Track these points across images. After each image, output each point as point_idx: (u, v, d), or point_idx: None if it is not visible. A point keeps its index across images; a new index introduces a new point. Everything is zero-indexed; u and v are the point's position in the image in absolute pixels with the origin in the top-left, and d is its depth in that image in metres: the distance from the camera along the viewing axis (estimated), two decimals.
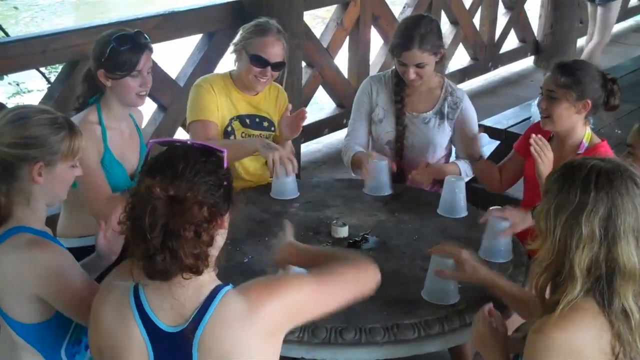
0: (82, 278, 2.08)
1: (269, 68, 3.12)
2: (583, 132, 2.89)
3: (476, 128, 3.36)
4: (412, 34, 3.11)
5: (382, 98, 3.34)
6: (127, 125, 2.91)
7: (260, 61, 3.11)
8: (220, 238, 1.71)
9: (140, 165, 2.91)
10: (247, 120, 3.25)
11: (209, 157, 1.68)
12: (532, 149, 2.79)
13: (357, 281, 1.88)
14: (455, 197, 2.91)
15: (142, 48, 2.72)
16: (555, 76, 2.84)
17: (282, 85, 3.39)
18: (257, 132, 3.26)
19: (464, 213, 2.91)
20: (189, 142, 1.75)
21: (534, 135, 2.83)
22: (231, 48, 3.25)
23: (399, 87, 3.29)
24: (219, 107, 3.18)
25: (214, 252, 1.69)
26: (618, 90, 2.89)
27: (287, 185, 3.05)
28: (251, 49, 3.12)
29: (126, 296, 1.69)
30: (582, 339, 1.71)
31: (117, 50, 2.67)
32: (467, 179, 3.30)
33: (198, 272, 1.64)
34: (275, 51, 3.12)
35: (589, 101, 2.82)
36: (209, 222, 1.63)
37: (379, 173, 3.07)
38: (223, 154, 1.72)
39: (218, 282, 1.71)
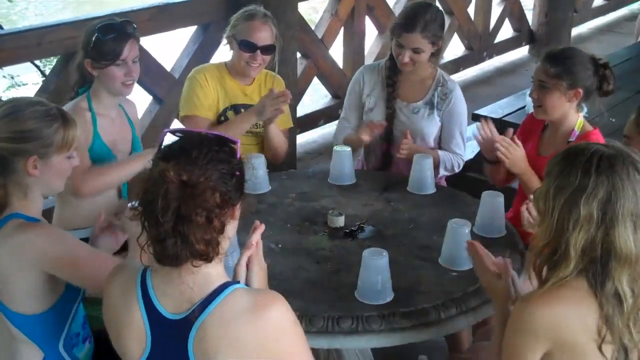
0: (83, 246, 2.10)
1: (258, 52, 3.13)
2: (575, 120, 2.90)
3: (463, 123, 3.34)
4: (417, 18, 3.13)
5: (373, 86, 3.35)
6: (117, 114, 2.91)
7: (248, 46, 3.13)
8: (231, 228, 1.72)
9: (131, 153, 2.92)
10: (242, 110, 3.25)
11: (222, 147, 1.70)
12: (497, 153, 2.84)
13: None
14: (423, 175, 2.99)
15: (126, 37, 2.73)
16: (545, 66, 2.84)
17: (275, 70, 3.37)
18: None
19: (432, 190, 3.00)
20: (202, 132, 1.76)
21: (498, 138, 2.87)
22: (224, 40, 3.26)
23: (391, 72, 3.30)
24: (212, 97, 3.19)
25: (225, 242, 1.70)
26: (611, 75, 2.88)
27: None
28: (239, 35, 3.15)
29: (134, 278, 1.72)
30: (565, 315, 1.74)
31: (101, 39, 2.69)
32: (446, 173, 3.33)
33: (208, 259, 1.64)
34: (263, 35, 3.14)
35: (580, 89, 2.83)
36: (221, 208, 1.64)
37: (343, 160, 3.08)
38: (237, 145, 1.74)
39: (228, 279, 1.71)
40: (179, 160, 1.62)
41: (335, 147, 3.13)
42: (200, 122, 3.15)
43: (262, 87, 3.32)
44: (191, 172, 1.61)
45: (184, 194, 1.60)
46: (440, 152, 3.30)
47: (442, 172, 3.31)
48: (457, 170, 3.36)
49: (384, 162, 3.34)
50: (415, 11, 3.17)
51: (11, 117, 2.06)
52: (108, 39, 2.69)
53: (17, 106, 2.09)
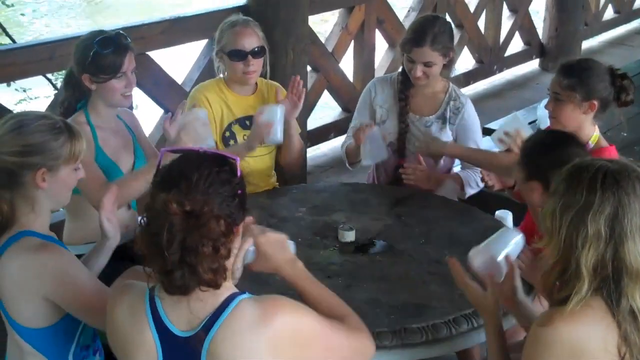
0: (91, 280, 2.09)
1: (249, 58, 3.11)
2: (591, 133, 2.87)
3: (478, 138, 3.34)
4: (426, 31, 3.13)
5: (385, 99, 3.35)
6: (117, 125, 2.91)
7: (238, 54, 3.11)
8: (236, 245, 1.72)
9: (136, 161, 2.91)
10: (247, 122, 3.23)
11: (222, 167, 1.68)
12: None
13: (357, 350, 1.84)
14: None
15: (125, 49, 2.73)
16: (559, 78, 2.83)
17: (267, 75, 3.32)
18: None
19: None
20: (201, 151, 1.74)
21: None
22: (216, 61, 3.24)
23: (404, 86, 3.30)
24: (214, 116, 3.17)
25: (230, 260, 1.69)
26: (630, 84, 2.84)
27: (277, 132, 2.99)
28: (227, 47, 3.13)
29: (142, 297, 1.71)
30: (587, 337, 1.71)
31: (101, 53, 2.68)
32: (472, 191, 3.30)
33: (216, 286, 1.64)
34: (249, 40, 3.12)
35: (595, 101, 2.80)
36: (226, 235, 1.63)
37: (373, 139, 3.09)
38: (236, 162, 1.72)
39: (234, 290, 1.71)
40: (180, 188, 1.60)
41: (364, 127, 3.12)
42: None
43: (265, 95, 3.29)
44: (194, 201, 1.59)
45: (189, 225, 1.59)
46: (461, 173, 3.30)
47: (469, 192, 3.29)
48: (481, 186, 3.29)
49: (397, 176, 3.31)
50: (423, 25, 3.18)
51: (18, 131, 2.06)
52: (108, 52, 2.69)
53: (23, 120, 2.10)
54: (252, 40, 3.13)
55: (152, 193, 1.65)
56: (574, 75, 2.81)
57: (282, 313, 1.67)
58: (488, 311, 2.06)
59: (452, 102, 3.30)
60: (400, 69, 3.35)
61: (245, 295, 1.70)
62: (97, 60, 2.68)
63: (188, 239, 1.59)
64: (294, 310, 1.70)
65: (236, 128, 3.23)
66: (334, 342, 1.77)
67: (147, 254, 1.63)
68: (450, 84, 3.35)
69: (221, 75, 3.28)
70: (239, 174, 1.71)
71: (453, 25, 6.57)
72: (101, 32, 2.77)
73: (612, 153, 2.87)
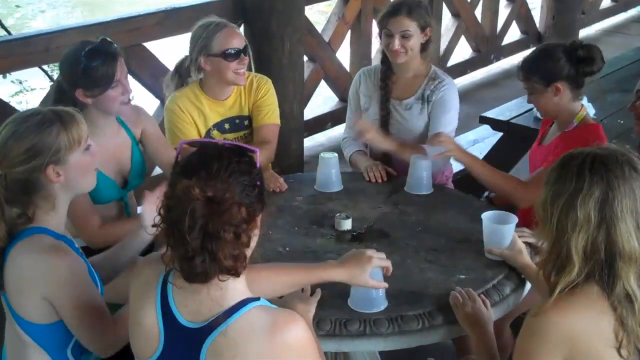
0: (92, 295, 2.06)
1: (242, 56, 3.10)
2: (575, 111, 2.88)
3: (452, 115, 3.24)
4: (402, 2, 3.17)
5: (368, 87, 3.38)
6: (113, 132, 2.83)
7: (234, 54, 3.07)
8: (255, 239, 1.71)
9: (133, 167, 2.89)
10: (226, 125, 3.22)
11: (242, 157, 1.68)
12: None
13: None
14: (419, 175, 3.01)
15: (114, 57, 2.63)
16: (518, 72, 2.91)
17: (252, 69, 3.31)
18: (240, 133, 3.25)
19: (427, 190, 3.02)
20: (219, 143, 1.73)
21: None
22: (193, 67, 3.13)
23: (385, 74, 3.31)
24: (195, 121, 3.15)
25: (249, 253, 1.69)
26: (588, 53, 2.83)
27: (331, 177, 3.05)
28: (218, 49, 3.05)
29: (156, 279, 1.71)
30: (579, 323, 1.72)
31: (90, 67, 2.57)
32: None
33: (237, 273, 1.64)
34: (238, 39, 3.11)
35: (559, 84, 2.82)
36: (247, 222, 1.63)
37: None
38: (256, 154, 1.72)
39: (249, 295, 1.70)
40: (200, 175, 1.60)
41: (321, 154, 3.09)
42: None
43: (244, 91, 3.24)
44: (215, 188, 1.59)
45: (211, 211, 1.58)
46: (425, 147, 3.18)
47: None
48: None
49: (384, 162, 3.28)
50: (398, 1, 3.20)
51: (12, 140, 2.04)
52: (97, 64, 2.58)
53: (12, 127, 2.06)
54: (240, 39, 3.13)
55: (172, 182, 1.64)
56: (524, 68, 2.89)
57: (293, 328, 1.66)
58: (482, 322, 2.11)
59: (431, 82, 3.26)
60: (380, 60, 3.35)
61: (261, 302, 1.69)
62: (88, 74, 2.58)
63: (210, 225, 1.58)
64: (304, 329, 1.68)
65: (215, 133, 3.20)
66: None
67: (168, 242, 1.63)
68: (433, 67, 3.32)
69: (194, 79, 3.19)
70: (257, 165, 1.71)
71: (450, 14, 6.65)
72: (85, 42, 2.64)
73: (595, 130, 2.87)
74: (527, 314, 1.80)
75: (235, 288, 1.68)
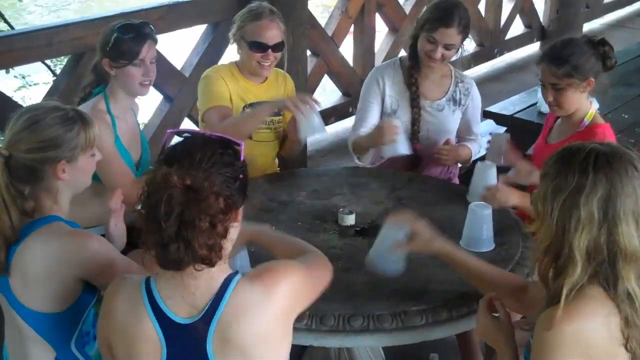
0: (119, 257, 2.13)
1: (269, 51, 3.10)
2: (587, 110, 2.88)
3: (479, 117, 3.38)
4: (454, 12, 3.09)
5: (393, 87, 3.27)
6: (130, 116, 2.94)
7: (259, 46, 3.09)
8: (234, 231, 1.72)
9: (141, 157, 2.94)
10: None
11: (226, 149, 1.69)
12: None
13: (326, 274, 1.94)
14: (489, 183, 2.79)
15: (145, 37, 2.76)
16: (552, 68, 2.81)
17: (284, 67, 3.34)
18: (276, 118, 3.26)
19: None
20: (206, 134, 1.75)
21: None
22: (231, 39, 3.23)
23: (413, 71, 3.24)
24: (231, 94, 3.16)
25: (228, 245, 1.69)
26: (610, 48, 2.84)
27: (314, 121, 2.91)
28: (248, 36, 3.10)
29: (138, 289, 1.71)
30: (592, 328, 1.70)
31: (121, 39, 2.72)
32: (478, 155, 3.34)
33: (211, 263, 1.64)
34: (272, 33, 3.11)
35: (592, 78, 2.81)
36: (225, 213, 1.64)
37: (486, 177, 2.82)
38: (240, 147, 1.73)
39: (229, 272, 1.72)
40: (182, 163, 1.61)
41: (478, 163, 2.89)
42: (226, 111, 3.10)
43: (274, 85, 3.29)
44: (195, 177, 1.60)
45: (188, 199, 1.59)
46: (468, 145, 3.30)
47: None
48: (482, 152, 3.37)
49: (412, 163, 3.28)
50: (451, 6, 3.12)
51: (33, 128, 2.07)
52: (127, 38, 2.73)
53: (36, 115, 2.10)
54: (275, 34, 3.11)
55: (155, 168, 1.67)
56: (566, 62, 2.79)
57: (282, 282, 1.71)
58: (505, 336, 1.95)
59: (460, 84, 3.30)
60: (399, 56, 3.32)
61: (239, 276, 1.71)
62: (117, 45, 2.73)
63: (186, 213, 1.59)
64: (284, 273, 1.74)
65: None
66: (314, 279, 1.87)
67: (145, 227, 1.64)
68: (451, 67, 3.34)
69: (233, 60, 3.27)
70: (242, 158, 1.72)
71: None
72: (128, 19, 2.82)
73: (606, 129, 2.88)
74: (536, 325, 1.75)
75: (213, 271, 1.68)
